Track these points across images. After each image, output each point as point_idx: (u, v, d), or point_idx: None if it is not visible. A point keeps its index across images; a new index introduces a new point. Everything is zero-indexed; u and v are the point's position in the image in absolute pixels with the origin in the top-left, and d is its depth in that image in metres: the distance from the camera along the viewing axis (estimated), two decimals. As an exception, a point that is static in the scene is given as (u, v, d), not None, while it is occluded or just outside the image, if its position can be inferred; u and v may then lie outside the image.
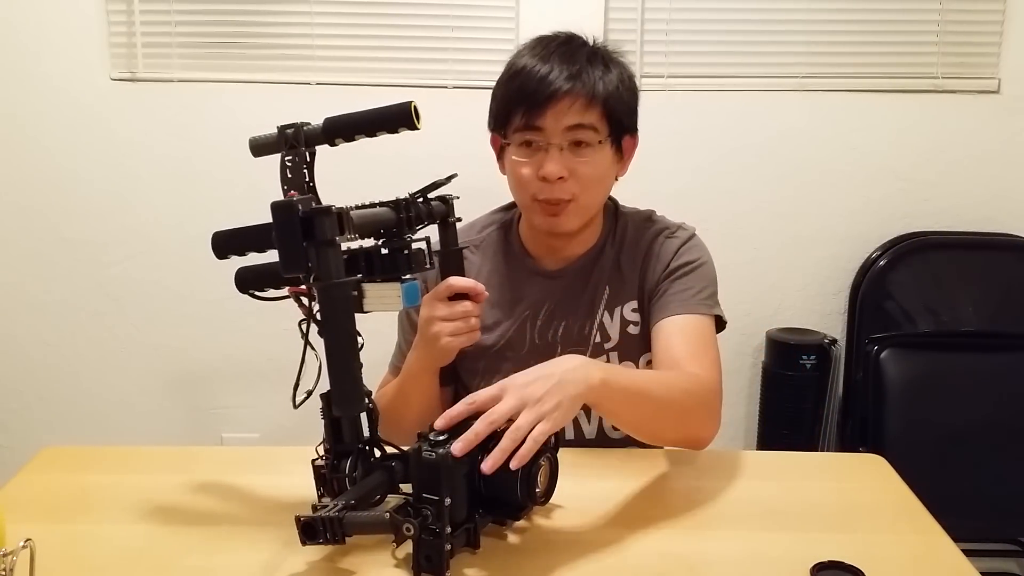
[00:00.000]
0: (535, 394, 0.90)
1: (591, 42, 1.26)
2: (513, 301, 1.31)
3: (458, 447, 0.86)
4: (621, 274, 1.31)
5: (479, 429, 0.87)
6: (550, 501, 0.96)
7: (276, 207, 0.85)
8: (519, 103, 1.20)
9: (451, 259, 1.15)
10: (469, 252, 1.35)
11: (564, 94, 1.18)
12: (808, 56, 2.08)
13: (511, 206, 1.38)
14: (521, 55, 1.24)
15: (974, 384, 2.04)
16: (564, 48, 1.22)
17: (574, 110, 1.18)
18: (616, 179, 1.29)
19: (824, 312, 2.19)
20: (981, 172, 2.12)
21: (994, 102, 2.09)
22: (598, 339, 1.29)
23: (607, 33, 2.04)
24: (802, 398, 2.08)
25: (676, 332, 1.23)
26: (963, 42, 2.07)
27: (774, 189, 2.14)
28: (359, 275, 0.95)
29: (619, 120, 1.22)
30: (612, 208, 1.35)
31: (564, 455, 0.99)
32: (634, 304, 1.30)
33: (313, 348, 0.92)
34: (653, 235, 1.32)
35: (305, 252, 0.85)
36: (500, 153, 1.29)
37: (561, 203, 1.22)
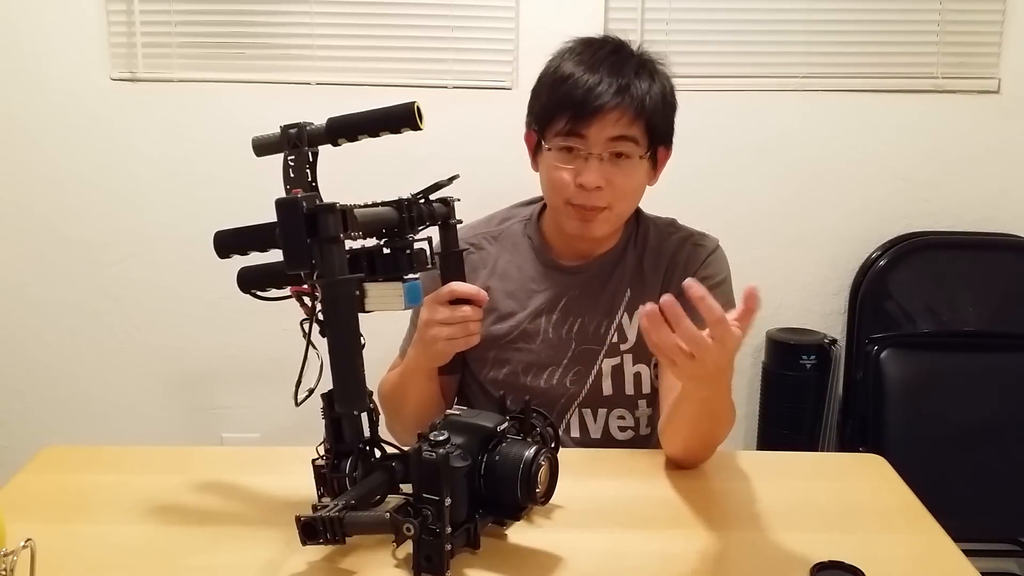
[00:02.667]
0: (721, 365, 0.93)
1: (637, 50, 1.25)
2: (529, 293, 1.31)
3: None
4: (643, 278, 1.30)
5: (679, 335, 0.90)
6: (550, 501, 0.95)
7: (280, 204, 0.85)
8: (564, 109, 1.19)
9: (452, 261, 1.15)
10: (486, 242, 1.35)
11: (613, 107, 1.18)
12: (808, 56, 2.08)
13: (532, 201, 1.38)
14: (566, 59, 1.23)
15: (974, 384, 2.04)
16: (613, 58, 1.21)
17: (621, 123, 1.18)
18: (650, 189, 1.29)
19: (824, 312, 2.19)
20: (981, 172, 2.12)
21: (994, 102, 2.09)
22: (615, 339, 1.29)
23: (607, 33, 2.04)
24: (802, 398, 2.08)
25: None
26: (963, 42, 2.07)
27: (774, 189, 2.14)
28: (361, 274, 0.95)
29: (658, 133, 1.23)
30: (634, 211, 1.35)
31: (564, 455, 0.99)
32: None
33: (315, 347, 0.92)
34: (678, 242, 1.32)
35: (309, 249, 0.85)
36: (534, 151, 1.28)
37: (596, 210, 1.22)
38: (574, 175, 1.20)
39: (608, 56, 1.21)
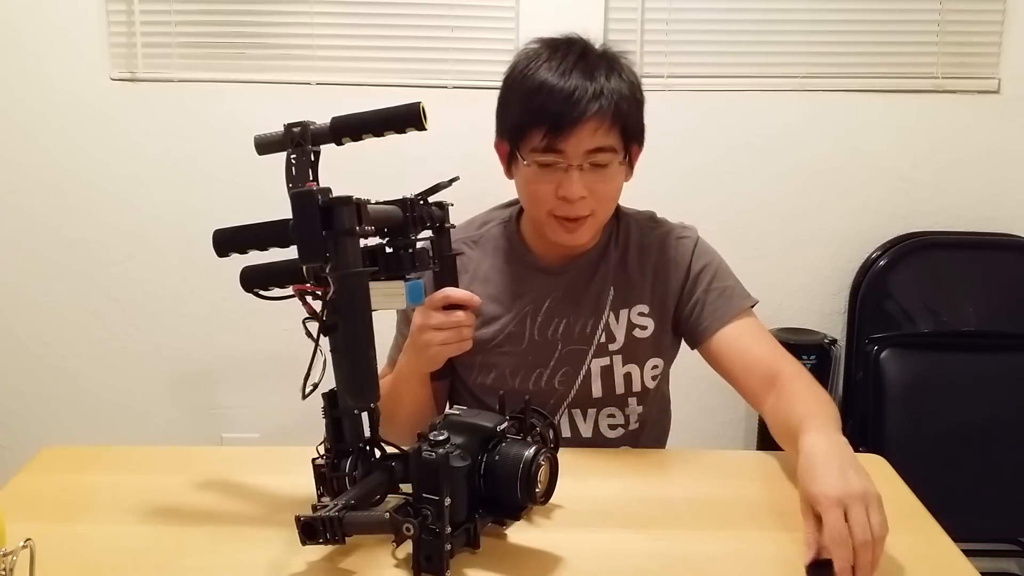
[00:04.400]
0: (872, 525, 0.89)
1: (599, 48, 1.22)
2: (513, 296, 1.31)
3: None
4: (627, 276, 1.30)
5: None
6: (550, 501, 0.95)
7: (296, 196, 0.85)
8: (539, 123, 1.16)
9: (445, 265, 1.15)
10: (467, 247, 1.34)
11: (589, 118, 1.15)
12: (808, 56, 2.08)
13: (510, 203, 1.38)
14: (534, 64, 1.19)
15: (974, 384, 2.04)
16: (583, 62, 1.18)
17: (598, 134, 1.16)
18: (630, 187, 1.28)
19: (824, 312, 2.19)
20: (981, 172, 2.12)
21: (994, 102, 2.09)
22: (603, 339, 1.28)
23: (607, 33, 2.04)
24: (802, 398, 2.08)
25: (743, 340, 1.24)
26: (963, 42, 2.08)
27: (774, 189, 2.14)
28: (375, 268, 0.95)
29: (631, 134, 1.21)
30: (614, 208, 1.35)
31: (564, 455, 0.99)
32: (643, 308, 1.29)
33: (318, 346, 0.91)
34: (661, 238, 1.31)
35: (324, 242, 0.85)
36: (508, 160, 1.26)
37: (580, 219, 1.21)
38: (555, 187, 1.18)
39: (578, 61, 1.18)
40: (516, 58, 1.23)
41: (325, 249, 0.85)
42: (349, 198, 0.85)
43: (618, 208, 1.34)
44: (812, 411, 1.09)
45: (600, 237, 1.31)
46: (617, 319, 1.29)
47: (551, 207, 1.20)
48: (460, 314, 1.14)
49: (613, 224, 1.33)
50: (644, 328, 1.29)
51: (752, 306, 1.29)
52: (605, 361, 1.28)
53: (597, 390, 1.29)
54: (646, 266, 1.30)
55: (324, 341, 0.89)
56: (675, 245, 1.30)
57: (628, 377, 1.29)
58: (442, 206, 1.10)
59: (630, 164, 1.25)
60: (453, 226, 1.13)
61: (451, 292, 1.14)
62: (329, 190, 0.87)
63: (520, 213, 1.34)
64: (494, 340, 1.30)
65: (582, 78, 1.16)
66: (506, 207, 1.38)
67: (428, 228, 1.06)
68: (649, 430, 1.34)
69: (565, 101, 1.14)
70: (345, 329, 0.87)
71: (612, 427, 1.31)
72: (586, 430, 1.30)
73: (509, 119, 1.22)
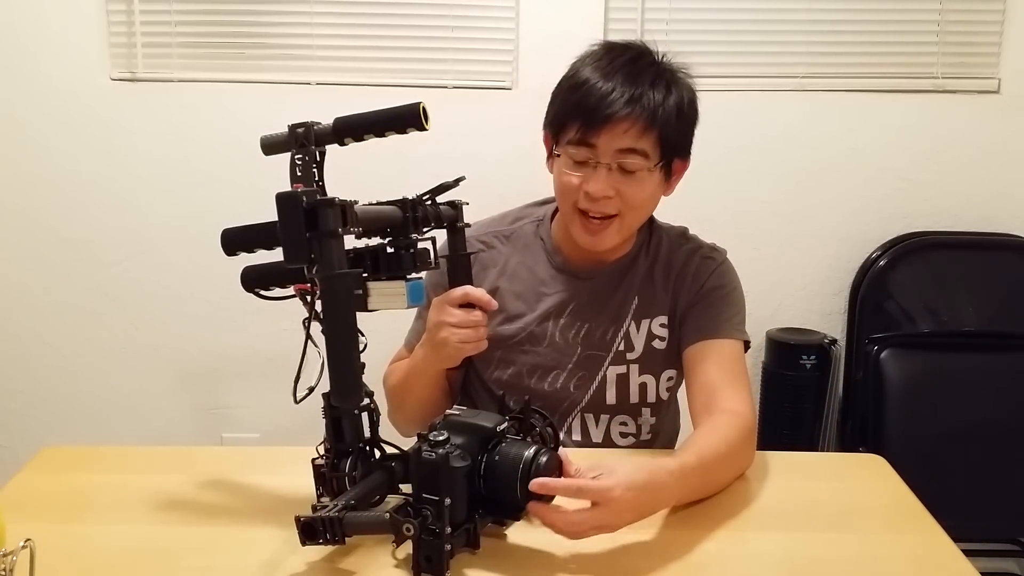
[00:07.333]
0: (620, 523, 0.92)
1: (659, 59, 1.23)
2: (538, 295, 1.31)
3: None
4: (653, 287, 1.30)
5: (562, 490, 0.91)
6: (550, 501, 0.95)
7: (281, 198, 0.85)
8: (575, 117, 1.18)
9: (459, 264, 1.15)
10: (497, 241, 1.34)
11: (622, 118, 1.16)
12: (808, 56, 2.08)
13: (545, 201, 1.37)
14: (586, 63, 1.21)
15: (974, 384, 2.04)
16: (630, 66, 1.19)
17: (629, 135, 1.16)
18: (662, 197, 1.28)
19: (824, 312, 2.19)
20: (981, 172, 2.12)
21: (994, 102, 2.09)
22: (621, 347, 1.28)
23: (607, 34, 2.04)
24: (802, 398, 2.08)
25: (710, 360, 1.23)
26: (963, 42, 2.08)
27: (774, 189, 2.14)
28: (364, 273, 0.95)
29: (672, 145, 1.21)
30: (648, 220, 1.34)
31: (565, 455, 0.99)
32: (663, 319, 1.29)
33: (315, 345, 0.92)
34: (688, 254, 1.31)
35: (308, 243, 0.85)
36: (549, 151, 1.27)
37: (605, 220, 1.21)
38: (583, 181, 1.19)
39: (625, 64, 1.19)
40: (577, 57, 1.25)
41: (309, 251, 0.85)
42: (332, 200, 0.85)
43: (653, 220, 1.34)
44: (697, 445, 1.08)
45: (631, 247, 1.31)
46: (638, 328, 1.29)
47: (577, 199, 1.21)
48: (478, 314, 1.14)
49: (646, 235, 1.33)
50: (663, 340, 1.29)
51: (744, 343, 1.28)
52: (622, 369, 1.28)
53: (611, 397, 1.29)
54: (669, 280, 1.30)
55: (322, 342, 0.89)
56: (698, 263, 1.30)
57: (643, 387, 1.29)
58: (455, 205, 1.10)
59: (667, 176, 1.24)
60: (468, 225, 1.13)
61: (471, 290, 1.14)
62: (315, 192, 0.87)
63: (555, 214, 1.34)
64: (515, 337, 1.30)
65: (623, 81, 1.17)
66: (541, 205, 1.38)
67: (436, 228, 1.05)
68: (660, 441, 1.34)
69: (601, 99, 1.16)
70: (328, 330, 0.87)
71: (623, 435, 1.31)
72: (597, 436, 1.30)
73: (552, 111, 1.24)
